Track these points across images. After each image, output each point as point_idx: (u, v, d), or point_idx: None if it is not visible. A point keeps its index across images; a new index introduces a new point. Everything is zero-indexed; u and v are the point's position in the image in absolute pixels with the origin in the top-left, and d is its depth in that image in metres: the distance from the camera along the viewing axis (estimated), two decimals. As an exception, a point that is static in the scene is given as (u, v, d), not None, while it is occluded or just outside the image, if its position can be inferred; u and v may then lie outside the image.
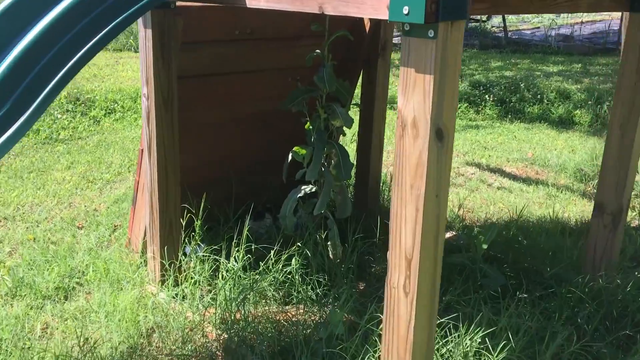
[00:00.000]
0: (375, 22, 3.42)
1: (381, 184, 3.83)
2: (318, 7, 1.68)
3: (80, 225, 3.73)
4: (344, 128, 2.94)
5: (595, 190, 4.42)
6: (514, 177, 4.90)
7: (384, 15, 1.53)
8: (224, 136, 3.32)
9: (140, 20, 2.52)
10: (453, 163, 5.21)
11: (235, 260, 2.68)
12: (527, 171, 5.09)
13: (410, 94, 1.57)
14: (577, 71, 9.53)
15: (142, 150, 2.85)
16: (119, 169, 4.87)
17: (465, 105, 7.67)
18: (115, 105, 6.79)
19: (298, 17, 3.13)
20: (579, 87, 8.07)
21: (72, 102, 6.61)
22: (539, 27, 16.18)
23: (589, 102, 7.30)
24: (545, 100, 7.54)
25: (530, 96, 7.66)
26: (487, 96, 7.75)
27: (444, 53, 1.51)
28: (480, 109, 7.57)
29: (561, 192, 4.56)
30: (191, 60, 2.89)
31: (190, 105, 3.04)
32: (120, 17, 1.85)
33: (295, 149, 2.92)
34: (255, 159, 3.61)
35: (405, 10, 1.46)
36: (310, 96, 2.80)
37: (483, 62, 10.49)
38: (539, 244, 3.38)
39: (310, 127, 2.87)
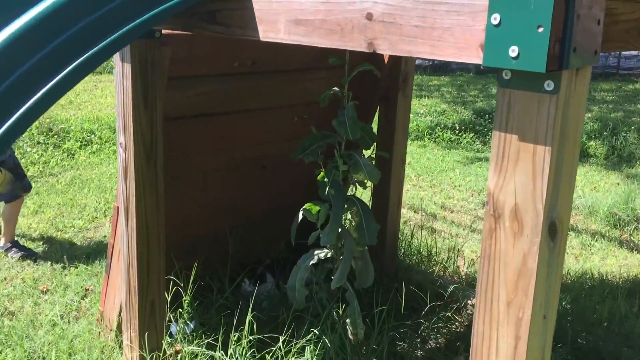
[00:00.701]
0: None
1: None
2: (366, 44, 1.19)
3: (45, 289, 3.17)
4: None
5: (633, 238, 4.03)
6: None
7: (474, 58, 1.05)
8: (219, 185, 2.82)
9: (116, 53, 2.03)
10: (469, 205, 4.75)
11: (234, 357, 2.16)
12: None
13: (511, 171, 1.09)
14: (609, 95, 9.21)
15: (118, 208, 2.34)
16: (94, 214, 4.32)
17: (471, 135, 7.26)
18: (92, 136, 6.26)
19: (307, 47, 2.67)
20: (589, 115, 7.71)
21: (44, 133, 6.07)
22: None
23: (604, 133, 6.92)
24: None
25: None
26: (492, 125, 7.34)
27: (565, 114, 1.03)
28: (487, 139, 7.16)
29: (595, 240, 4.10)
30: (181, 98, 2.40)
31: (180, 151, 2.54)
32: (88, 55, 1.35)
33: (307, 206, 2.42)
34: (257, 211, 3.11)
35: (513, 51, 0.98)
36: (326, 143, 2.31)
37: (483, 88, 10.14)
38: (590, 311, 2.91)
39: (325, 178, 2.38)
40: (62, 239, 3.86)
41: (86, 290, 3.16)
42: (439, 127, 7.44)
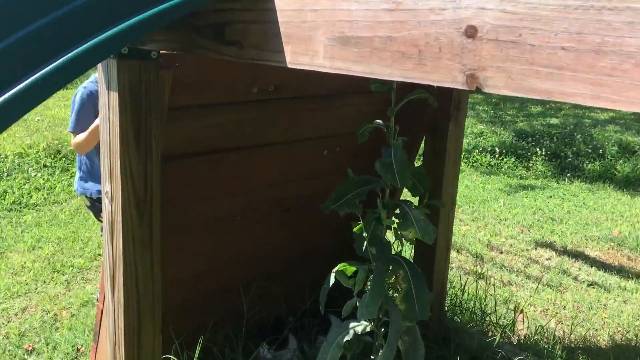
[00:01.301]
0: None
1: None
2: (464, 78, 0.73)
3: (30, 348, 2.74)
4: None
5: None
6: (602, 266, 3.89)
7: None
8: (233, 233, 2.36)
9: (100, 78, 1.60)
10: (520, 243, 4.22)
11: None
12: (617, 256, 4.08)
13: None
14: (630, 118, 8.60)
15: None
16: (97, 250, 3.91)
17: (513, 159, 6.73)
18: (103, 159, 5.89)
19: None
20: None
21: (52, 156, 5.72)
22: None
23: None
24: (608, 156, 6.57)
25: (589, 150, 6.70)
26: (537, 149, 6.81)
27: None
28: (530, 164, 6.62)
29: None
30: (186, 133, 1.96)
31: (184, 196, 2.10)
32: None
33: (340, 267, 1.96)
34: (277, 261, 2.65)
35: None
36: (366, 192, 1.84)
37: (521, 107, 9.59)
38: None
39: (365, 233, 1.91)
40: (58, 282, 3.44)
41: (78, 350, 2.72)
42: (476, 151, 6.92)
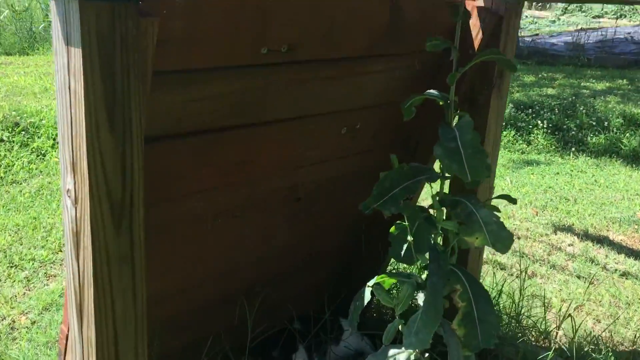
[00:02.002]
0: (490, 34, 2.06)
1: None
2: None
3: (-20, 367, 2.28)
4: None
5: None
6: (631, 252, 3.56)
7: None
8: (234, 231, 1.92)
9: (56, 30, 1.12)
10: (537, 228, 3.86)
11: None
12: (643, 240, 3.76)
13: None
14: (629, 89, 8.30)
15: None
16: (62, 240, 3.41)
17: (513, 133, 6.36)
18: (68, 132, 5.31)
19: (367, 25, 1.76)
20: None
21: (9, 129, 5.12)
22: (537, 34, 15.00)
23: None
24: (613, 129, 6.25)
25: (592, 122, 6.37)
26: (537, 121, 6.44)
27: None
28: (531, 138, 6.26)
29: None
30: (176, 106, 1.49)
31: (171, 189, 1.64)
32: None
33: (378, 280, 1.53)
34: (286, 261, 2.22)
35: None
36: (419, 185, 1.41)
37: (515, 77, 9.21)
38: None
39: (412, 237, 1.49)
40: (15, 280, 2.96)
41: (39, 369, 2.27)
42: (474, 123, 6.52)
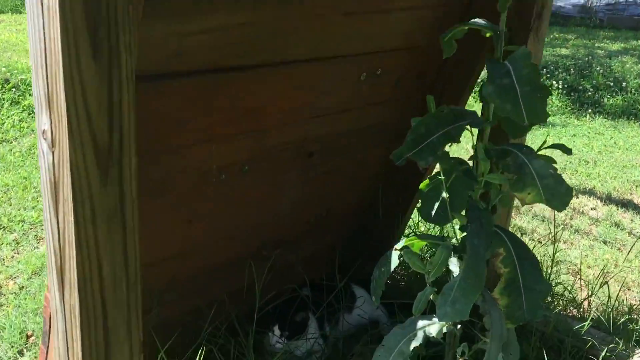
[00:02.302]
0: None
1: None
2: None
3: (-36, 336, 2.11)
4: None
5: None
6: (658, 217, 3.37)
7: None
8: (238, 189, 1.72)
9: None
10: (558, 190, 3.65)
11: None
12: (671, 205, 3.56)
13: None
14: (645, 50, 8.01)
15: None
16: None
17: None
18: (60, 89, 5.07)
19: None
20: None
21: (0, 86, 4.89)
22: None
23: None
24: (631, 90, 6.00)
25: (609, 83, 6.11)
26: (552, 81, 6.19)
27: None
28: (552, 98, 6.02)
29: None
30: (173, 40, 1.27)
31: (169, 138, 1.43)
32: None
33: (407, 243, 1.34)
34: (296, 223, 2.03)
35: None
36: (461, 130, 1.20)
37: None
38: None
39: (447, 193, 1.29)
40: (4, 242, 2.77)
41: (27, 337, 2.10)
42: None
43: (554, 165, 1.17)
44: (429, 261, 1.31)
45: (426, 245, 1.37)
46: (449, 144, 1.21)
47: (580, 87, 6.12)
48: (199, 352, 1.48)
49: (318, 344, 2.00)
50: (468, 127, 1.23)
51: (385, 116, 2.01)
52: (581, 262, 2.61)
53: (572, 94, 6.06)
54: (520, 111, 1.09)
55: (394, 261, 1.36)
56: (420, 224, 2.54)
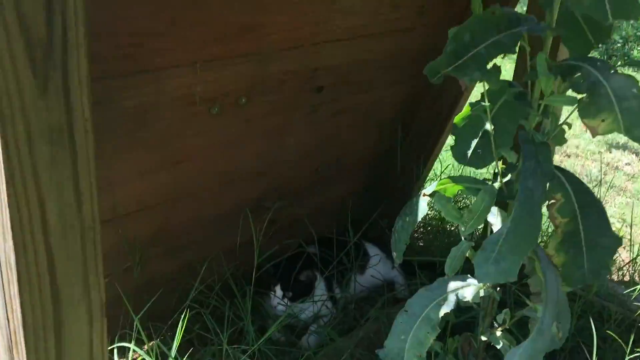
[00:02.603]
0: None
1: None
2: None
3: None
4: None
5: None
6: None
7: None
8: (229, 129, 1.46)
9: None
10: (588, 144, 3.39)
11: None
12: None
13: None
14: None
15: None
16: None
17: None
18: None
19: None
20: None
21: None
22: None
23: None
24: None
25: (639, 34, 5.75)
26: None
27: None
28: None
29: None
30: None
31: (147, 57, 1.17)
32: None
33: (438, 188, 1.09)
34: (300, 171, 1.79)
35: None
36: (515, 39, 0.92)
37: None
38: None
39: (491, 124, 1.03)
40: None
41: None
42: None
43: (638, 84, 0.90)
44: (468, 209, 1.06)
45: (461, 191, 1.10)
46: (501, 56, 0.95)
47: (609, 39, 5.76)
48: (184, 314, 1.25)
49: (326, 307, 1.78)
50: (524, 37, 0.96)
51: (409, 47, 1.74)
52: (620, 221, 2.36)
53: (599, 45, 5.71)
54: (603, 5, 0.82)
55: (422, 209, 1.11)
56: (445, 174, 2.30)
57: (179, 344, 1.49)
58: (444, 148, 2.08)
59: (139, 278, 1.49)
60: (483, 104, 1.04)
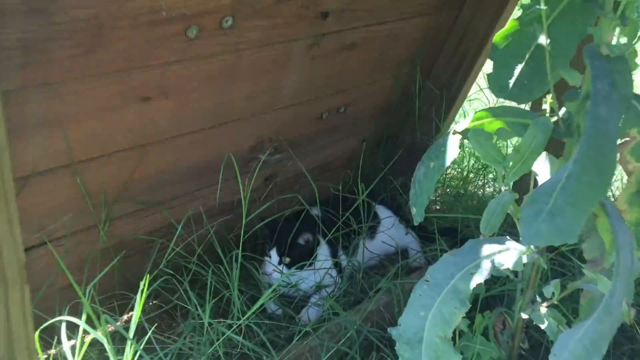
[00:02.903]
0: None
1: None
2: None
3: None
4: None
5: None
6: None
7: None
8: (212, 61, 1.20)
9: None
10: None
11: None
12: None
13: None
14: None
15: None
16: None
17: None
18: None
19: None
20: None
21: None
22: None
23: None
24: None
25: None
26: None
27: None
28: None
29: None
30: None
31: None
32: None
33: (474, 123, 0.84)
34: (297, 119, 1.53)
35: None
36: None
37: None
38: None
39: (547, 36, 0.77)
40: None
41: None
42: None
43: None
44: (515, 148, 0.81)
45: (500, 129, 0.85)
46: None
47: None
48: (146, 283, 1.02)
49: (329, 275, 1.55)
50: None
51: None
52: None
53: None
54: None
55: (452, 151, 0.86)
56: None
57: (152, 316, 1.28)
58: (468, 97, 1.83)
59: (105, 239, 1.26)
60: (538, 7, 0.78)
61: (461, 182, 1.90)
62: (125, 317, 1.45)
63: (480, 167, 1.90)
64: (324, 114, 1.59)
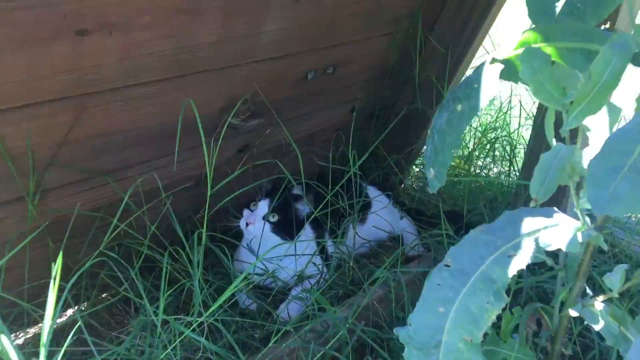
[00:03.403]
0: None
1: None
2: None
3: None
4: None
5: None
6: None
7: None
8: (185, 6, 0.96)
9: None
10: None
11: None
12: None
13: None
14: None
15: None
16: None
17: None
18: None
19: None
20: None
21: None
22: None
23: None
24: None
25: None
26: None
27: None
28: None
29: None
30: None
31: None
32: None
33: (521, 44, 0.61)
34: (279, 79, 1.29)
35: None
36: None
37: None
38: None
39: None
40: None
41: None
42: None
43: None
44: (582, 81, 0.58)
45: (554, 60, 0.63)
46: None
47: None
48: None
49: (313, 263, 1.32)
50: None
51: None
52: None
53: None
54: None
55: (489, 85, 0.63)
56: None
57: (99, 308, 1.04)
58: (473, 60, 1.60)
59: (35, 214, 1.01)
60: None
61: (464, 160, 1.67)
62: (70, 310, 1.21)
63: (486, 142, 1.68)
64: (309, 73, 1.35)
